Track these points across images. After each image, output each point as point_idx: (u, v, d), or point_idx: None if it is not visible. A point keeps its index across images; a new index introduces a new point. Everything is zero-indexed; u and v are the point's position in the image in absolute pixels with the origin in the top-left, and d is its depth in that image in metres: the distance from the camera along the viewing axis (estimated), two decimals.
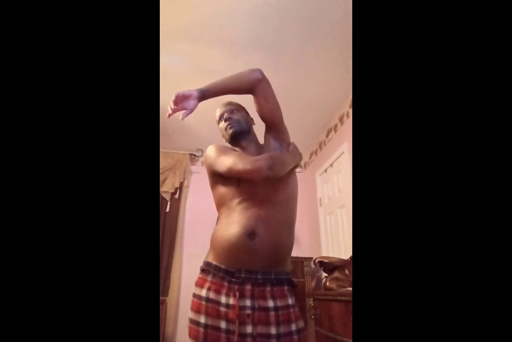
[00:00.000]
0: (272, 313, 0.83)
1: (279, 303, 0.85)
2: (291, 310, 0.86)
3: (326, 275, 1.93)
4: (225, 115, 1.09)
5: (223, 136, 1.13)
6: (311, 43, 2.04)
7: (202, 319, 0.83)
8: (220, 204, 0.98)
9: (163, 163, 3.27)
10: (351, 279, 1.77)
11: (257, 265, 0.86)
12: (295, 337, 0.83)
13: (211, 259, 0.92)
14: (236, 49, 2.09)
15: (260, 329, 0.81)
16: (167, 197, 3.26)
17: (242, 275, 0.85)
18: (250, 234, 0.85)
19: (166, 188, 3.26)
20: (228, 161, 0.92)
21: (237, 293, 0.83)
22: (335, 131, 2.85)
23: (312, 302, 2.03)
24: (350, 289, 1.65)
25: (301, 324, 0.86)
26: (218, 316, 0.83)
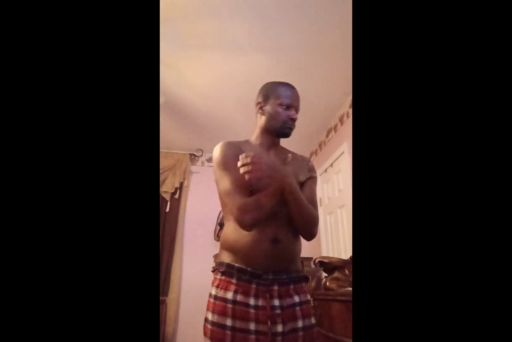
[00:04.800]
0: (297, 308, 0.89)
1: (302, 298, 0.92)
2: (309, 305, 0.94)
3: (326, 275, 1.93)
4: (295, 114, 0.99)
5: (267, 115, 1.00)
6: (311, 43, 2.04)
7: (229, 322, 0.82)
8: None
9: (163, 163, 3.27)
10: (351, 279, 1.77)
11: (281, 266, 0.90)
12: (314, 330, 0.91)
13: (230, 261, 0.90)
14: (236, 49, 2.09)
15: (290, 325, 0.85)
16: (167, 197, 3.26)
17: (270, 277, 0.87)
18: (273, 240, 0.89)
19: (166, 188, 3.26)
20: (224, 185, 0.90)
21: (267, 295, 0.85)
22: (335, 131, 2.85)
23: (312, 302, 2.03)
24: (350, 289, 1.65)
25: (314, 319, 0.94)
26: (247, 318, 0.83)
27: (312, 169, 1.05)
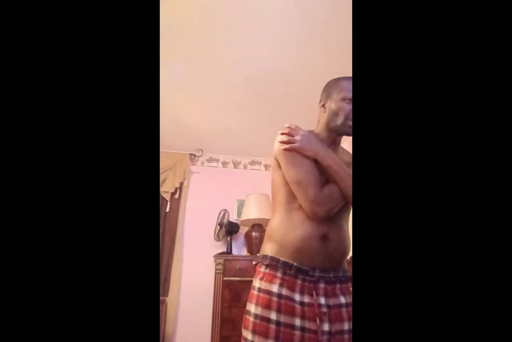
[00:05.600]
0: (344, 309, 0.85)
1: (348, 300, 0.88)
2: None
3: None
4: None
5: (329, 112, 0.98)
6: (311, 43, 2.04)
7: (273, 316, 0.80)
8: (283, 198, 0.93)
9: (163, 163, 3.27)
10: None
11: (329, 264, 0.88)
12: None
13: (274, 254, 0.88)
14: (235, 51, 2.09)
15: (336, 326, 0.82)
16: (167, 197, 3.25)
17: (317, 274, 0.85)
18: (322, 237, 0.87)
19: (166, 188, 3.26)
20: (295, 174, 0.88)
21: (314, 292, 0.83)
22: None
23: None
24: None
25: None
26: (293, 313, 0.81)
27: None
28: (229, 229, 3.08)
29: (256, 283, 0.88)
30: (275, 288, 0.83)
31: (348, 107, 0.93)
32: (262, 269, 0.89)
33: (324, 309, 0.82)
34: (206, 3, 1.76)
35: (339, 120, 0.95)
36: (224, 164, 3.63)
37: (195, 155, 3.54)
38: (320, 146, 0.91)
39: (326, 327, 0.80)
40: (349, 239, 0.95)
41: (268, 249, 0.91)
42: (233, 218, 3.28)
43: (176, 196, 3.30)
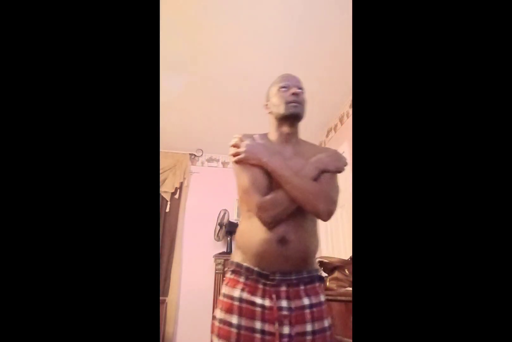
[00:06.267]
0: (307, 311, 0.85)
1: (314, 300, 0.87)
2: (323, 306, 0.89)
3: (326, 275, 1.93)
4: (295, 89, 0.96)
5: (272, 107, 0.99)
6: (311, 43, 2.04)
7: (235, 320, 0.82)
8: (244, 206, 0.94)
9: (163, 163, 3.27)
10: (351, 279, 1.77)
11: (290, 267, 0.87)
12: (328, 333, 0.85)
13: (240, 260, 0.90)
14: (235, 51, 2.09)
15: (297, 328, 0.82)
16: (167, 197, 3.26)
17: (277, 277, 0.86)
18: (281, 240, 0.86)
19: (166, 188, 3.26)
20: (242, 182, 0.90)
21: (274, 296, 0.84)
22: (335, 131, 2.85)
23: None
24: (350, 289, 1.65)
25: (330, 320, 0.89)
26: (253, 316, 0.82)
27: (336, 161, 0.97)
28: (229, 229, 3.08)
29: (222, 289, 0.90)
30: (236, 293, 0.86)
31: (285, 94, 0.96)
32: (228, 275, 0.92)
33: (285, 312, 0.83)
34: (206, 4, 1.76)
35: (281, 107, 0.96)
36: (224, 164, 3.63)
37: (195, 155, 3.54)
38: (265, 152, 0.91)
39: (286, 330, 0.81)
40: (314, 238, 0.94)
41: (235, 255, 0.94)
42: (233, 218, 3.29)
43: (176, 196, 3.30)
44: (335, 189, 0.93)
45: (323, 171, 0.92)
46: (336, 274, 1.84)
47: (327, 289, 1.81)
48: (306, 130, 3.37)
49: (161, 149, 3.31)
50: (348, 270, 1.82)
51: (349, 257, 1.93)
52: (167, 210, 3.23)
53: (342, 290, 1.69)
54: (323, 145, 3.15)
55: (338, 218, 2.73)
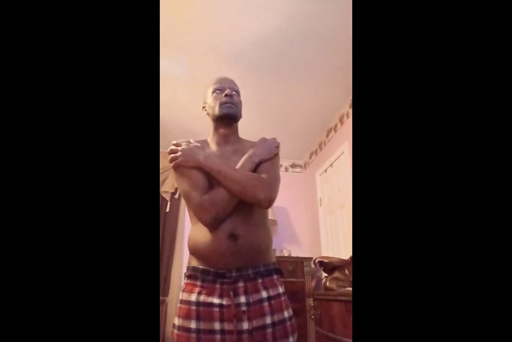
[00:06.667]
0: (266, 304, 0.85)
1: (272, 293, 0.88)
2: (282, 298, 0.89)
3: (326, 275, 1.93)
4: (228, 91, 0.99)
5: (208, 109, 1.02)
6: (311, 44, 2.04)
7: (193, 325, 0.82)
8: (190, 211, 0.95)
9: (163, 163, 3.27)
10: (351, 279, 1.77)
11: (245, 262, 0.87)
12: (288, 323, 0.86)
13: (196, 264, 0.90)
14: (236, 51, 2.09)
15: (256, 322, 0.82)
16: (167, 197, 3.26)
17: (233, 274, 0.86)
18: (230, 236, 0.87)
19: (166, 188, 3.26)
20: (183, 187, 0.91)
21: (231, 293, 0.83)
22: (335, 131, 2.85)
23: (312, 302, 2.03)
24: (350, 289, 1.65)
25: (291, 311, 0.89)
26: (211, 318, 0.82)
27: (267, 149, 0.98)
28: None
29: (180, 295, 0.90)
30: (193, 297, 0.85)
31: (219, 95, 0.99)
32: (185, 280, 0.91)
33: (244, 308, 0.83)
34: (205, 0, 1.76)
35: (216, 108, 0.98)
36: None
37: None
38: (200, 153, 0.92)
39: (245, 325, 0.81)
40: (265, 231, 0.94)
41: (191, 260, 0.93)
42: None
43: (176, 196, 3.30)
44: (274, 177, 0.93)
45: (260, 162, 0.93)
46: (336, 274, 1.84)
47: (327, 289, 1.81)
48: (307, 130, 3.38)
49: (161, 149, 3.31)
50: (348, 270, 1.82)
51: (349, 257, 1.93)
52: (167, 210, 3.23)
53: (342, 290, 1.69)
54: (323, 145, 3.15)
55: (338, 218, 2.73)
